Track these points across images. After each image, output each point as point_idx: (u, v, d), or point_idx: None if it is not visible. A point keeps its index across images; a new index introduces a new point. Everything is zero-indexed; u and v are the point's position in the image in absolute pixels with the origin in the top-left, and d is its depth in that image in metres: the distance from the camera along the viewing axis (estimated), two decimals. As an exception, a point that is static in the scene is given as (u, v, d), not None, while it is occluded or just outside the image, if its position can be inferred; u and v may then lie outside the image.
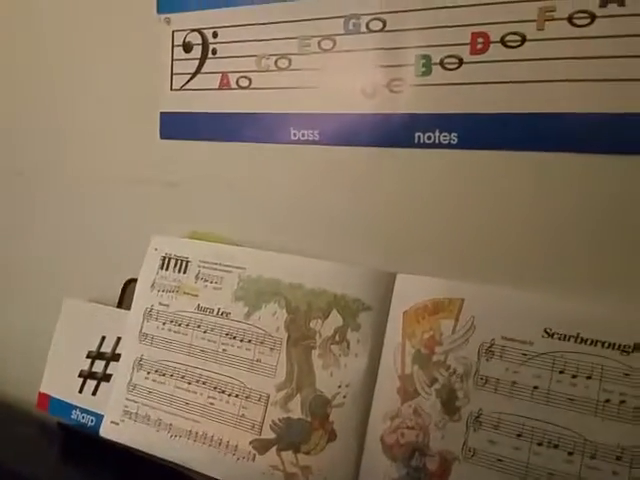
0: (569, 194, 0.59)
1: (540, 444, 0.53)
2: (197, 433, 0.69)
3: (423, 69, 0.63)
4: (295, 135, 0.72)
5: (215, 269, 0.74)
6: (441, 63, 0.62)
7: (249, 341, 0.69)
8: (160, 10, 0.81)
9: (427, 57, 0.63)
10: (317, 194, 0.72)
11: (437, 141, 0.63)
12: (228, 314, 0.71)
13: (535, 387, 0.54)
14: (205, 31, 0.77)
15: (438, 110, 0.63)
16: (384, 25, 0.65)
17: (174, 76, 0.80)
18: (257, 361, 0.68)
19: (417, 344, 0.60)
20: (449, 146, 0.63)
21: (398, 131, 0.65)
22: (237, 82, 0.75)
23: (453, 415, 0.57)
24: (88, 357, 0.81)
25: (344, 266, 0.67)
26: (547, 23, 0.58)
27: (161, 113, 0.82)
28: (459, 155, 0.63)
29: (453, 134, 0.62)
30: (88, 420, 0.79)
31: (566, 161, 0.59)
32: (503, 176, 0.61)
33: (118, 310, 0.82)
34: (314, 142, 0.70)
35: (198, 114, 0.79)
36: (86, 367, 0.81)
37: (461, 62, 0.61)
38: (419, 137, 0.64)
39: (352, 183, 0.70)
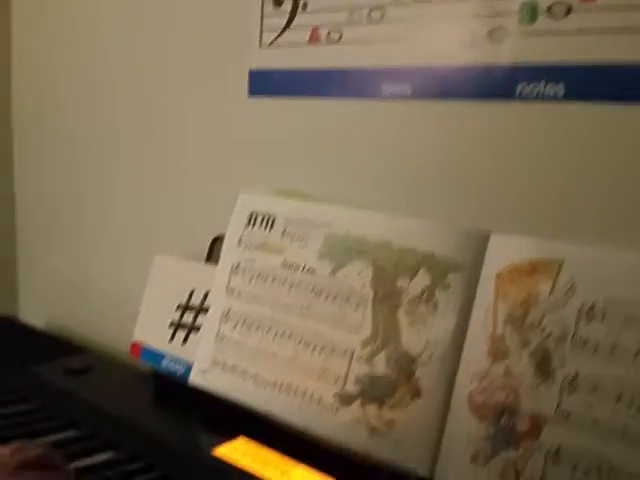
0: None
1: (641, 409, 0.51)
2: (282, 384, 0.71)
3: (528, 17, 0.60)
4: (387, 90, 0.70)
5: (301, 226, 0.74)
6: (548, 10, 0.59)
7: (334, 298, 0.69)
8: (250, -35, 0.81)
9: (533, 4, 0.60)
10: (408, 150, 0.71)
11: (541, 93, 0.60)
12: (314, 271, 0.72)
13: (638, 351, 0.52)
14: (296, -16, 0.76)
15: (543, 60, 0.60)
16: (484, -29, 0.62)
17: (263, 32, 0.80)
18: (342, 317, 0.68)
19: (510, 305, 0.58)
20: (554, 98, 0.59)
21: (498, 83, 0.62)
22: (327, 36, 0.74)
23: (547, 377, 0.55)
24: (178, 309, 0.84)
25: (434, 224, 0.65)
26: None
27: (250, 70, 0.82)
28: (565, 108, 0.59)
29: (559, 85, 0.59)
30: (178, 368, 0.82)
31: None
32: (612, 130, 0.58)
33: (206, 265, 0.85)
34: (406, 97, 0.69)
35: (287, 71, 0.78)
36: (176, 318, 0.84)
37: (570, 9, 0.58)
38: (521, 89, 0.61)
39: (446, 139, 0.68)
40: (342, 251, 0.70)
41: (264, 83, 0.81)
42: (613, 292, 0.54)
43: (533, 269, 0.58)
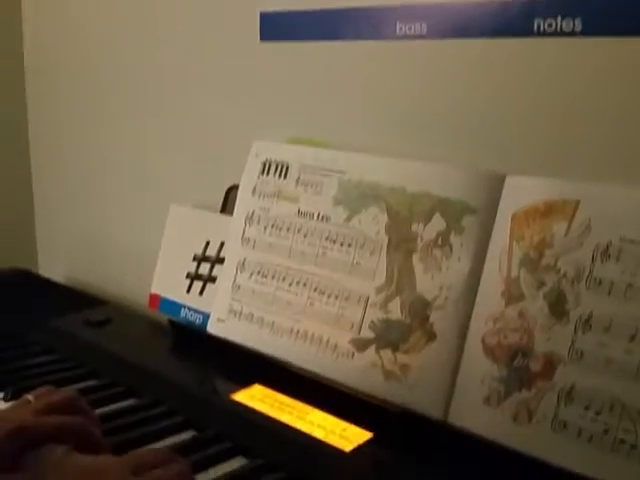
0: None
1: (655, 347, 0.51)
2: (298, 331, 0.72)
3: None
4: (401, 30, 0.68)
5: (315, 174, 0.74)
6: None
7: (349, 245, 0.70)
8: None
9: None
10: (423, 92, 0.69)
11: (559, 28, 0.58)
12: (328, 218, 0.72)
13: (653, 290, 0.51)
14: None
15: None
16: None
17: (274, -25, 0.78)
18: (357, 264, 0.69)
19: (525, 247, 0.58)
20: (572, 34, 0.58)
21: (515, 19, 0.61)
22: (340, -25, 0.72)
23: (561, 318, 0.55)
24: (194, 260, 0.85)
25: (449, 168, 0.65)
26: None
27: (261, 13, 0.80)
28: (583, 43, 0.58)
29: (577, 20, 0.57)
30: (196, 318, 0.83)
31: None
32: (631, 64, 0.56)
33: (221, 216, 0.85)
34: (422, 36, 0.67)
35: (298, 12, 0.77)
36: (193, 269, 0.85)
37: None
38: (539, 24, 0.59)
39: (461, 79, 0.66)
40: (356, 197, 0.70)
41: (276, 26, 0.79)
42: (628, 232, 0.53)
43: (548, 210, 0.57)
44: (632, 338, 0.52)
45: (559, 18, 0.58)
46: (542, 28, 0.60)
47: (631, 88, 0.58)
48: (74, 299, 1.01)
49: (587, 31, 0.57)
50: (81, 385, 0.73)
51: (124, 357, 0.79)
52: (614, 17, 0.56)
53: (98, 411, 0.64)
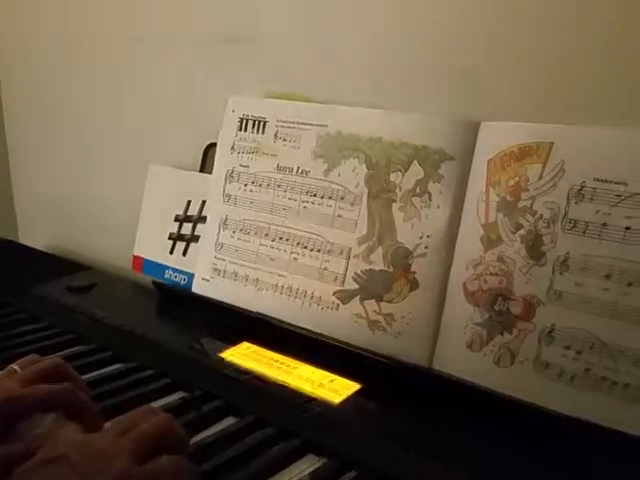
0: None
1: (630, 284, 0.51)
2: (282, 286, 0.72)
3: None
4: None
5: (293, 127, 0.73)
6: None
7: (329, 197, 0.70)
8: None
9: None
10: (398, 42, 0.68)
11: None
12: (307, 172, 0.71)
13: (627, 228, 0.52)
14: None
15: None
16: None
17: None
18: (338, 217, 0.69)
19: (502, 192, 0.59)
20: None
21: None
22: None
23: (538, 260, 0.56)
24: (176, 220, 0.85)
25: (424, 117, 0.64)
26: None
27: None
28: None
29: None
30: (180, 279, 0.83)
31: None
32: (600, 8, 0.56)
33: (201, 174, 0.85)
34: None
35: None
36: (175, 230, 0.85)
37: None
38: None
39: (433, 27, 0.66)
40: (335, 150, 0.69)
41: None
42: (601, 172, 0.54)
43: (523, 154, 0.58)
44: (608, 277, 0.53)
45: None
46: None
47: (601, 30, 0.57)
48: (56, 266, 1.00)
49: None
50: (67, 352, 0.72)
51: (109, 321, 0.78)
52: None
53: (85, 377, 0.63)
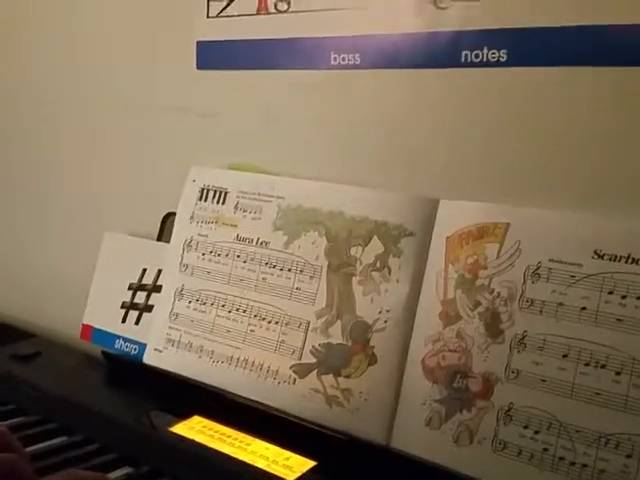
0: (622, 111, 0.57)
1: (587, 364, 0.52)
2: (238, 359, 0.70)
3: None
4: (335, 60, 0.70)
5: (254, 199, 0.74)
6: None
7: (289, 270, 0.69)
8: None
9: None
10: (357, 121, 0.71)
11: (485, 59, 0.61)
12: (267, 243, 0.71)
13: (583, 308, 0.53)
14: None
15: (485, 26, 0.61)
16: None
17: (210, 2, 0.78)
18: (297, 289, 0.69)
19: (460, 269, 0.60)
20: (498, 64, 0.61)
21: (444, 50, 0.63)
22: (275, 6, 0.73)
23: (496, 337, 0.57)
24: (130, 289, 0.83)
25: (385, 193, 0.66)
26: None
27: (198, 42, 0.81)
28: (508, 73, 0.61)
29: (502, 51, 0.60)
30: (131, 349, 0.81)
31: (628, 76, 0.56)
32: (555, 94, 0.59)
33: (158, 243, 0.83)
34: (355, 66, 0.69)
35: (235, 42, 0.78)
36: (128, 298, 0.83)
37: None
38: (466, 56, 0.62)
39: (394, 108, 0.68)
40: (295, 222, 0.70)
41: (213, 55, 0.80)
42: (557, 253, 0.56)
43: (481, 233, 0.59)
44: (565, 356, 0.54)
45: (485, 49, 0.61)
46: (469, 59, 0.62)
47: (555, 116, 0.61)
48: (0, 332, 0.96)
49: (512, 62, 0.60)
50: (9, 422, 0.70)
51: (54, 392, 0.76)
52: (536, 49, 0.59)
53: (28, 449, 0.61)
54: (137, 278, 0.83)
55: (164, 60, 0.85)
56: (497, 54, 0.61)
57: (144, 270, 0.83)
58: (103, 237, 0.87)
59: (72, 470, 0.49)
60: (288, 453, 0.63)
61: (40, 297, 1.03)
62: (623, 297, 0.52)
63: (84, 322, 0.86)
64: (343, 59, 0.70)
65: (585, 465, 0.52)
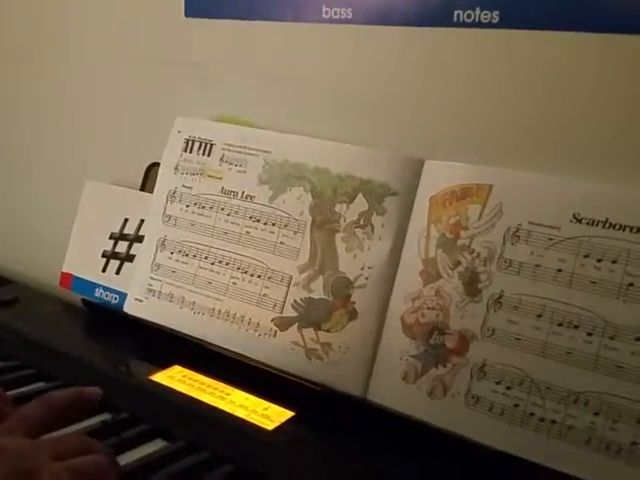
0: (604, 74, 0.58)
1: (560, 324, 0.54)
2: (219, 311, 0.71)
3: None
4: (327, 13, 0.69)
5: (240, 152, 0.73)
6: None
7: (273, 224, 0.70)
8: None
9: None
10: (347, 77, 0.70)
11: (477, 19, 0.61)
12: (252, 197, 0.71)
13: (559, 270, 0.55)
14: None
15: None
16: None
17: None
18: (280, 244, 0.69)
19: (442, 229, 0.61)
20: (490, 25, 0.61)
21: (436, 9, 0.63)
22: (266, -47, 0.72)
23: (474, 296, 0.58)
24: (111, 238, 0.82)
25: (372, 151, 0.66)
26: None
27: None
28: (500, 35, 0.61)
29: (495, 12, 0.60)
30: (112, 298, 0.81)
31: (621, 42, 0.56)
32: (544, 56, 0.59)
33: (141, 193, 0.83)
34: (347, 21, 0.68)
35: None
36: (109, 248, 0.82)
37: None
38: (458, 15, 0.62)
39: (384, 65, 0.68)
40: (281, 177, 0.70)
41: (201, 3, 0.78)
42: (536, 215, 0.57)
43: (464, 194, 0.60)
44: (539, 316, 0.55)
45: (477, 9, 0.61)
46: (461, 19, 0.62)
47: (542, 79, 0.61)
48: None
49: (504, 23, 0.60)
50: (-12, 367, 0.70)
51: (34, 338, 0.75)
52: (529, 11, 0.59)
53: (7, 394, 0.61)
54: (119, 228, 0.82)
55: (152, 7, 0.83)
56: (489, 15, 0.60)
57: (126, 220, 0.82)
58: (85, 185, 0.86)
59: (44, 396, 0.49)
60: (267, 403, 0.64)
61: (19, 245, 1.02)
62: (599, 260, 0.53)
63: (64, 270, 0.86)
64: (335, 13, 0.69)
65: (554, 421, 0.54)
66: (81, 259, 0.85)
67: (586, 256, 0.54)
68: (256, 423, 0.60)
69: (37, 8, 0.96)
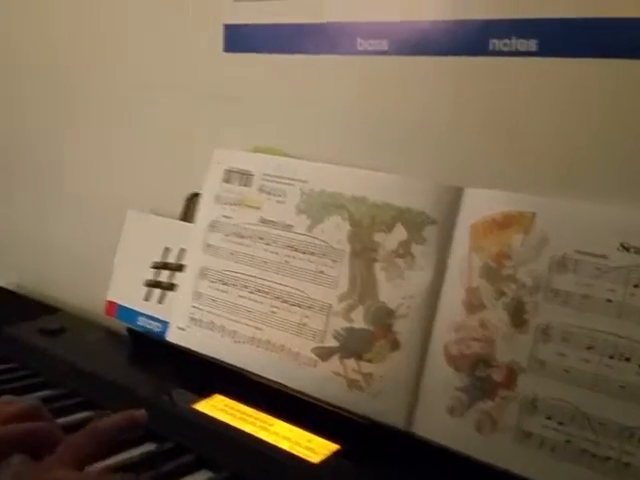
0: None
1: (611, 357, 0.52)
2: (260, 340, 0.71)
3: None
4: (362, 45, 0.69)
5: (278, 182, 0.73)
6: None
7: (312, 253, 0.70)
8: None
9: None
10: (383, 107, 0.70)
11: (514, 48, 0.60)
12: (291, 227, 0.72)
13: (608, 300, 0.53)
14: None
15: (515, 15, 0.59)
16: None
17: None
18: (319, 272, 0.69)
19: (485, 257, 0.59)
20: (527, 54, 0.60)
21: (472, 38, 0.62)
22: (303, -10, 0.73)
23: (520, 327, 0.56)
24: (153, 267, 0.84)
25: (409, 179, 0.66)
26: None
27: (225, 25, 0.81)
28: (538, 63, 0.60)
29: (532, 40, 0.59)
30: (154, 326, 0.82)
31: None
32: (584, 85, 0.58)
33: (181, 222, 0.84)
34: (382, 52, 0.68)
35: (262, 25, 0.77)
36: (151, 276, 0.83)
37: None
38: (494, 44, 0.61)
39: (421, 95, 0.68)
40: (319, 206, 0.70)
41: (239, 38, 0.80)
42: (583, 244, 0.55)
43: (506, 222, 0.59)
44: (589, 348, 0.53)
45: (513, 38, 0.60)
46: (497, 47, 0.61)
47: (581, 104, 0.60)
48: (27, 307, 0.98)
49: (542, 52, 0.59)
50: (37, 395, 0.71)
51: (80, 366, 0.77)
52: (567, 40, 0.58)
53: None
54: (160, 257, 0.83)
55: (192, 43, 0.86)
56: (526, 43, 0.59)
57: (167, 249, 0.83)
58: (127, 214, 0.88)
59: (94, 425, 0.50)
60: (310, 435, 0.63)
61: (65, 274, 1.04)
62: (650, 290, 0.52)
63: (108, 299, 0.87)
64: (370, 44, 0.69)
65: (609, 458, 0.52)
66: (125, 288, 0.86)
67: (636, 286, 0.52)
68: (301, 456, 0.60)
69: (83, 41, 0.99)
